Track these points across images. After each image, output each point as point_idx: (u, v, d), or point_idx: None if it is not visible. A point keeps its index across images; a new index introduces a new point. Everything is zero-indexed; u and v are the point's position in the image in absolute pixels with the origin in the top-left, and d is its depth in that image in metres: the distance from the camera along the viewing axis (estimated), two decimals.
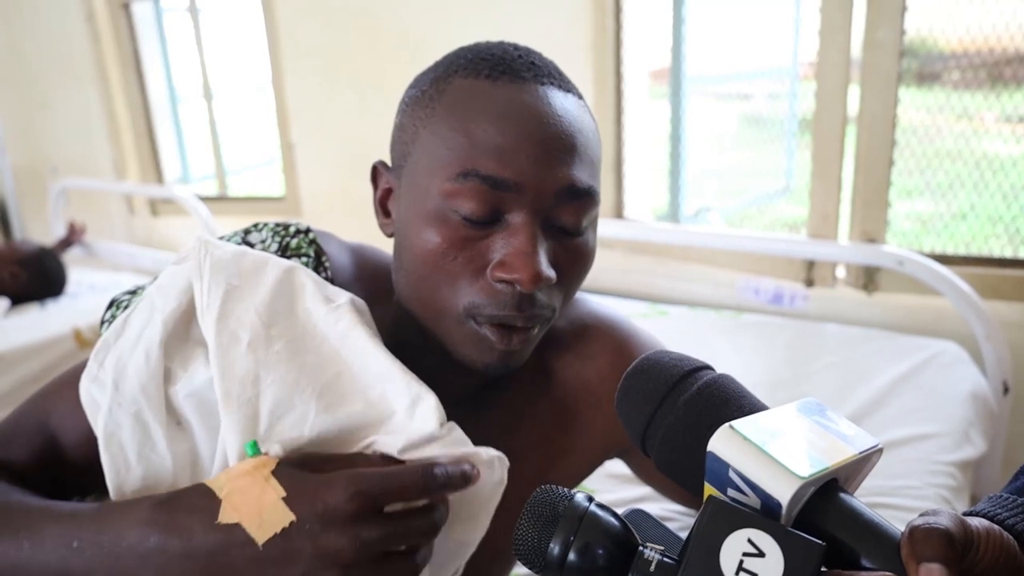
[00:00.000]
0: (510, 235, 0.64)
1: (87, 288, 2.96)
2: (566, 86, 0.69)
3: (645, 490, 1.33)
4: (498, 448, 0.65)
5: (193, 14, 3.52)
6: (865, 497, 1.32)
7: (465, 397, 0.68)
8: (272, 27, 3.11)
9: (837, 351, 1.89)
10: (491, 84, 0.65)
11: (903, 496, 1.35)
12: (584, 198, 0.66)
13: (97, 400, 0.64)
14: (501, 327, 0.66)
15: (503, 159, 0.63)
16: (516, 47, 0.70)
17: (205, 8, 3.53)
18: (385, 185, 0.73)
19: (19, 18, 3.83)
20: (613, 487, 1.38)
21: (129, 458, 0.63)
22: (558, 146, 0.64)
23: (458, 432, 0.64)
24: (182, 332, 0.66)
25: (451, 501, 0.65)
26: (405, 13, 2.75)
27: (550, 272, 0.64)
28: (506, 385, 0.79)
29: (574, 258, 0.68)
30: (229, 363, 0.62)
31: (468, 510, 0.66)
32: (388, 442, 0.62)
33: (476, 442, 0.64)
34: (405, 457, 0.61)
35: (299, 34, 3.05)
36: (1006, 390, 1.78)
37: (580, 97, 0.70)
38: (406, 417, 0.64)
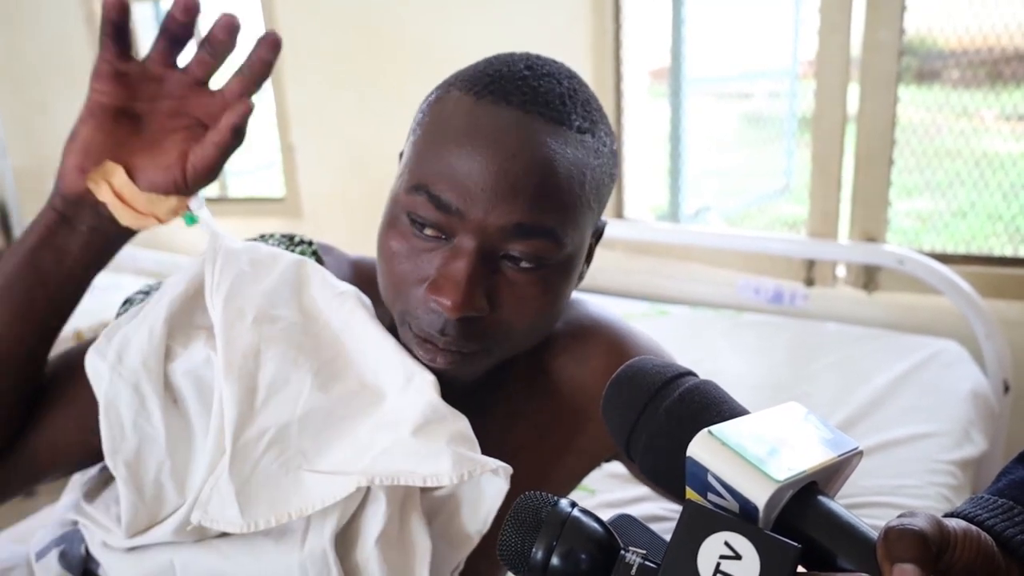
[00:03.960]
0: (451, 257, 0.63)
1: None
2: (559, 117, 0.64)
3: (646, 490, 1.33)
4: (494, 448, 0.66)
5: None
6: (865, 496, 1.34)
7: (460, 396, 0.68)
8: (272, 29, 3.11)
9: (837, 350, 1.88)
10: (475, 103, 0.64)
11: (904, 495, 1.35)
12: (537, 238, 0.63)
13: (100, 371, 0.67)
14: (427, 342, 0.66)
15: (455, 184, 0.62)
16: (529, 65, 0.66)
17: (205, 10, 3.53)
18: None
19: (20, 20, 3.84)
20: (613, 487, 1.38)
21: (125, 427, 0.67)
22: (512, 181, 0.61)
23: (466, 427, 0.66)
24: (186, 314, 0.70)
25: (453, 500, 0.67)
26: (405, 15, 2.76)
27: (480, 303, 0.63)
28: (502, 385, 0.80)
29: (520, 295, 0.65)
30: (233, 336, 0.66)
31: (470, 509, 0.68)
32: (392, 432, 0.65)
33: None
34: (419, 436, 0.64)
35: (299, 36, 3.05)
36: (1006, 389, 1.78)
37: (581, 131, 0.65)
38: (399, 396, 0.67)
